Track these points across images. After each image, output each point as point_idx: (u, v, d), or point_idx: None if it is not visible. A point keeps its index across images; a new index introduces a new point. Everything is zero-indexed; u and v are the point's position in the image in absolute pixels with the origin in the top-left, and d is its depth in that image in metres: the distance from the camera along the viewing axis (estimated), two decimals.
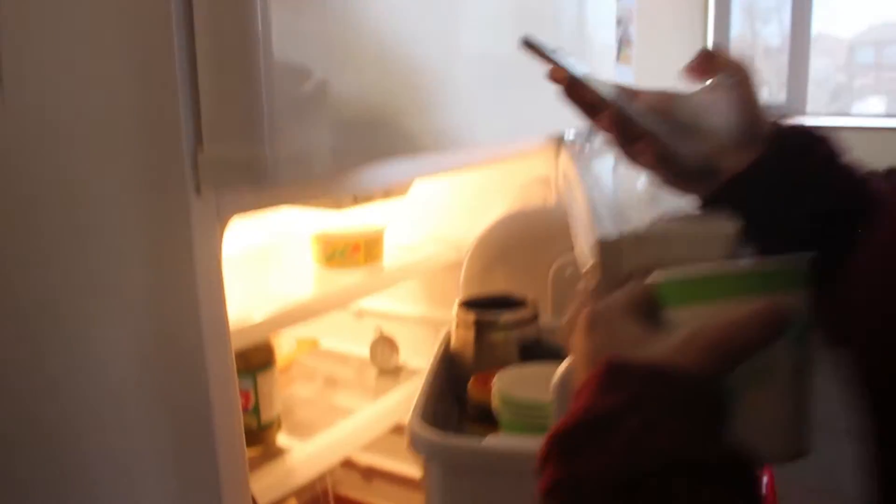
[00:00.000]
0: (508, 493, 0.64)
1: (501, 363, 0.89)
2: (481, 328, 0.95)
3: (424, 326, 1.51)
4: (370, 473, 1.64)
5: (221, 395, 0.76)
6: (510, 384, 0.80)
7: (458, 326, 0.97)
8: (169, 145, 0.67)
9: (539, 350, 0.92)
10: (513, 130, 1.06)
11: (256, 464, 1.12)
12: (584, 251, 0.73)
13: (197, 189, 0.68)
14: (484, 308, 0.98)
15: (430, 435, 0.76)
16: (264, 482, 1.08)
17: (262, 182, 0.63)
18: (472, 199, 1.41)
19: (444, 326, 1.47)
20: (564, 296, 0.97)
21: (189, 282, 0.70)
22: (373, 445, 1.61)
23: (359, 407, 1.32)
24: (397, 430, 1.55)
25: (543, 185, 1.25)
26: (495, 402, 0.79)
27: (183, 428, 0.77)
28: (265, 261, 1.39)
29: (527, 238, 1.05)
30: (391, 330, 1.50)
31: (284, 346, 1.60)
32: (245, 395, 1.12)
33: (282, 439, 1.20)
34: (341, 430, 1.23)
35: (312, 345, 1.56)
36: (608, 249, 0.51)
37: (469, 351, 0.96)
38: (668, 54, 3.67)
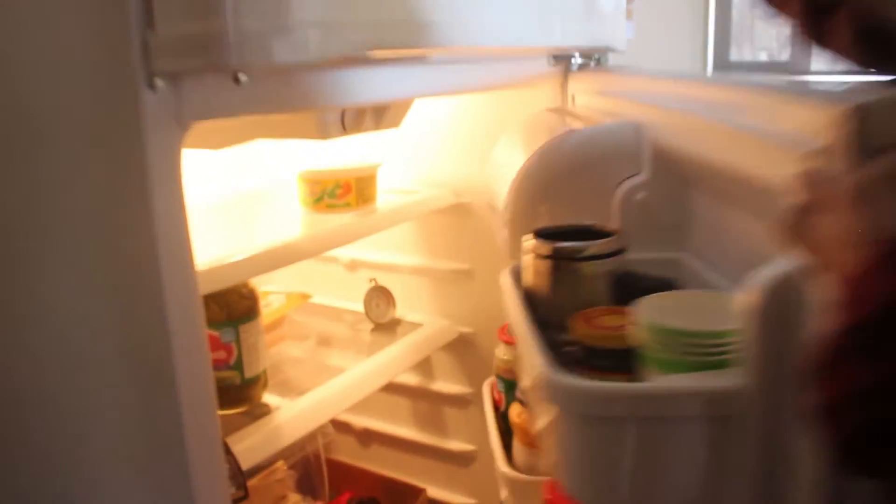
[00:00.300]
0: (676, 438, 0.55)
1: (590, 302, 0.74)
2: (564, 263, 0.78)
3: (422, 277, 1.40)
4: (367, 437, 1.54)
5: (186, 336, 0.64)
6: (664, 315, 0.62)
7: (534, 261, 0.79)
8: (116, 31, 0.55)
9: (633, 284, 0.75)
10: (518, 35, 0.94)
11: (239, 423, 1.02)
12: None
13: (149, 83, 0.56)
14: (562, 240, 0.82)
15: (582, 384, 0.59)
16: (247, 442, 0.98)
17: (224, 60, 0.51)
18: (470, 138, 1.29)
19: (442, 277, 1.37)
20: (636, 224, 0.82)
21: (143, 198, 0.58)
22: (369, 407, 1.51)
23: (352, 364, 1.21)
24: (394, 388, 1.45)
25: (556, 116, 1.13)
26: (645, 337, 0.61)
27: (145, 374, 0.65)
28: (249, 206, 1.28)
29: (583, 162, 0.88)
30: (386, 282, 1.38)
31: (274, 301, 1.49)
32: (226, 349, 1.01)
33: (268, 398, 1.09)
34: (332, 387, 1.12)
35: (303, 299, 1.45)
36: (865, 113, 0.42)
37: (549, 289, 0.79)
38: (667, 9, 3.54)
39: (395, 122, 1.02)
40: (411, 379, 1.45)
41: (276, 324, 1.41)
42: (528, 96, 1.20)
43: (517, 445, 1.07)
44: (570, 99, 1.19)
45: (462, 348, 1.38)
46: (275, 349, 1.30)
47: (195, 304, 0.66)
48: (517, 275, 0.83)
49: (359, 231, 1.15)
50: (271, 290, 1.51)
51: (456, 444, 1.43)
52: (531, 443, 1.03)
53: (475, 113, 1.28)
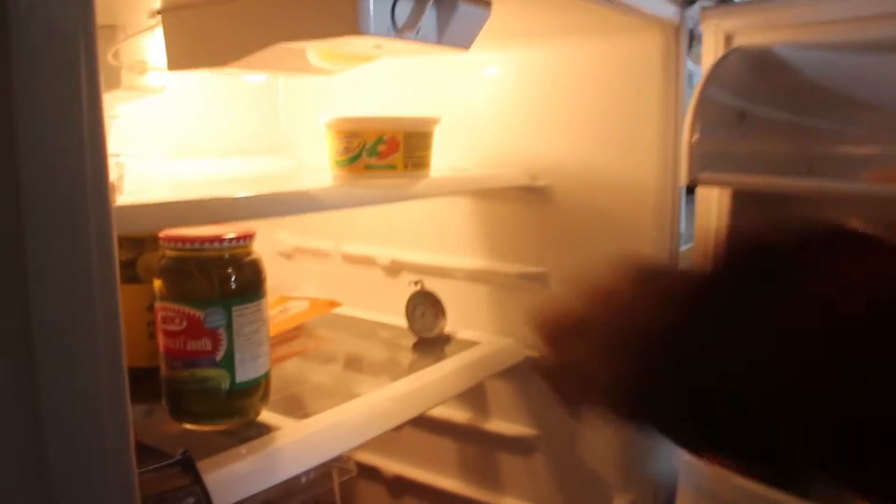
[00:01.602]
0: None
1: None
2: None
3: (481, 284, 1.10)
4: (399, 486, 1.23)
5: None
6: None
7: None
8: None
9: None
10: None
11: (220, 443, 0.73)
12: None
13: None
14: None
15: None
16: (228, 471, 0.68)
17: None
18: (547, 104, 1.01)
19: (507, 284, 1.07)
20: None
21: None
22: (404, 448, 1.21)
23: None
24: (436, 425, 1.14)
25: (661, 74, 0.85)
26: None
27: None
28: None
29: None
30: (436, 290, 1.09)
31: (293, 307, 1.21)
32: (212, 337, 0.73)
33: (267, 416, 0.80)
34: (353, 409, 0.83)
35: (330, 306, 1.17)
36: None
37: None
38: None
39: (463, 41, 0.75)
40: (459, 414, 1.14)
41: (292, 334, 1.12)
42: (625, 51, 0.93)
43: None
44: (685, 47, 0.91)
45: (528, 377, 1.07)
46: (288, 366, 1.01)
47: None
48: None
49: (395, 192, 0.87)
50: (292, 296, 1.23)
51: (512, 503, 1.11)
52: None
53: (556, 73, 1.00)
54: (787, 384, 0.34)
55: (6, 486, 0.39)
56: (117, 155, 0.77)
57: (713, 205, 0.92)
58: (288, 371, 0.99)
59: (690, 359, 0.38)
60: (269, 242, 1.31)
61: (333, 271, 1.26)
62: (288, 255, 1.32)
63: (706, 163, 0.81)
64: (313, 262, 1.29)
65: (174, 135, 1.12)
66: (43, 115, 0.38)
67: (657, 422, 0.42)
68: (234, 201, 0.67)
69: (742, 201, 0.90)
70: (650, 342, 0.40)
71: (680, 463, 0.94)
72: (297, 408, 0.84)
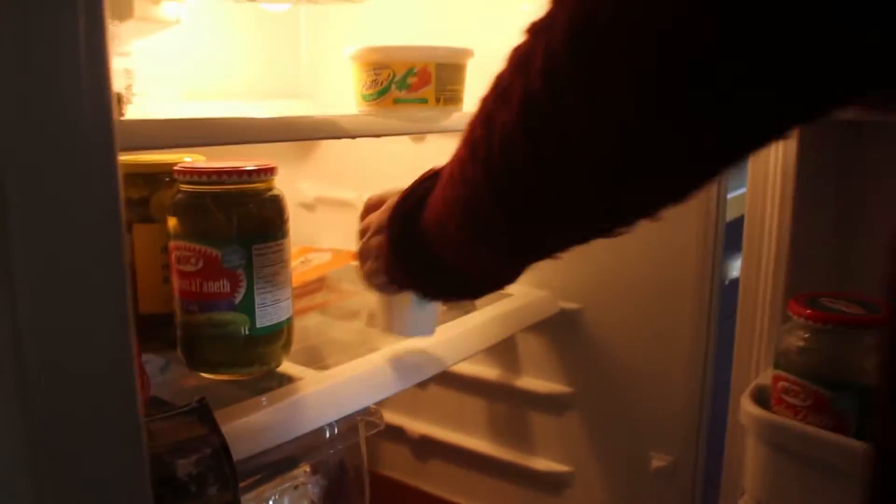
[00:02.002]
0: None
1: None
2: None
3: None
4: (424, 447, 1.18)
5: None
6: None
7: None
8: None
9: None
10: None
11: (236, 395, 0.67)
12: None
13: None
14: None
15: None
16: (247, 422, 0.63)
17: None
18: None
19: None
20: None
21: None
22: (429, 407, 1.16)
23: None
24: (463, 383, 1.09)
25: None
26: None
27: None
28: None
29: None
30: None
31: (314, 258, 1.16)
32: (231, 278, 0.67)
33: (287, 367, 0.75)
34: (380, 359, 0.77)
35: (351, 257, 1.11)
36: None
37: None
38: None
39: None
40: (488, 371, 1.09)
41: (314, 286, 1.07)
42: None
43: None
44: None
45: (562, 331, 1.01)
46: (308, 319, 0.96)
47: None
48: None
49: (415, 125, 0.81)
50: (314, 248, 1.18)
51: (544, 464, 1.06)
52: None
53: None
54: None
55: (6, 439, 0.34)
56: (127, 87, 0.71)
57: None
58: (309, 324, 0.94)
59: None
60: (290, 193, 1.24)
61: (357, 223, 1.19)
62: (309, 207, 1.27)
63: None
64: (336, 213, 1.23)
65: (188, 76, 1.06)
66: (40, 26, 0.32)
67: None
68: (251, 121, 0.61)
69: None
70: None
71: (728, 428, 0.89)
72: (316, 361, 0.78)
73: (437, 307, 0.77)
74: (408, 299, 0.71)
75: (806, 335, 0.69)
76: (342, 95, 0.88)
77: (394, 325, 0.75)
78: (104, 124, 0.35)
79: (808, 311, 0.69)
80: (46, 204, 0.34)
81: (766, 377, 0.78)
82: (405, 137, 1.12)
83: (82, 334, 0.36)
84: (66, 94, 0.34)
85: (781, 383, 0.71)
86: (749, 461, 0.75)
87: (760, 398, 0.74)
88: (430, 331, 0.77)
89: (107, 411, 0.37)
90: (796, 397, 0.69)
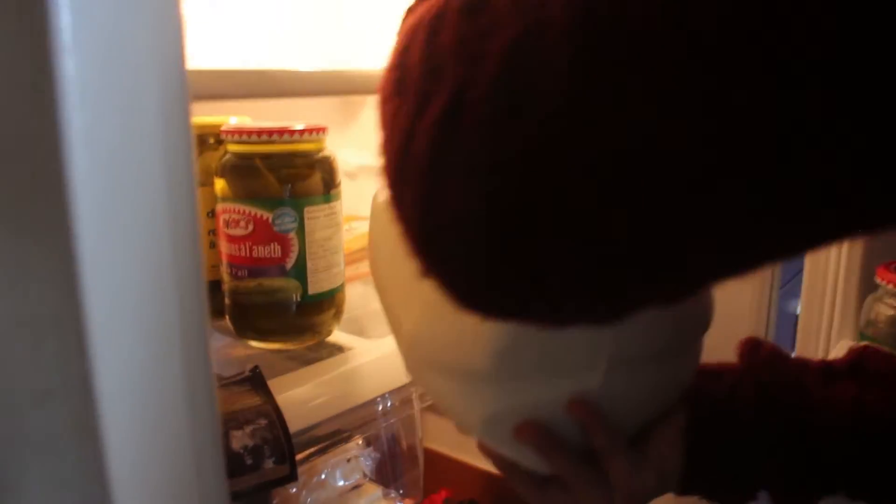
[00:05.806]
0: None
1: None
2: None
3: None
4: None
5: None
6: None
7: None
8: None
9: None
10: None
11: (286, 365, 0.65)
12: None
13: None
14: None
15: None
16: (301, 394, 0.60)
17: None
18: None
19: None
20: None
21: None
22: None
23: None
24: None
25: None
26: None
27: None
28: None
29: None
30: None
31: (359, 227, 1.12)
32: (282, 242, 0.64)
33: (338, 336, 0.72)
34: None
35: None
36: None
37: None
38: None
39: None
40: None
41: (357, 256, 1.03)
42: None
43: None
44: None
45: None
46: (351, 289, 0.92)
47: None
48: None
49: None
50: (357, 216, 1.15)
51: None
52: None
53: None
54: None
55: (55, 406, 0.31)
56: None
57: None
58: (352, 294, 0.91)
59: None
60: None
61: None
62: (352, 175, 1.23)
63: None
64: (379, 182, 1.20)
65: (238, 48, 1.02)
66: None
67: None
68: (306, 74, 0.58)
69: None
70: None
71: None
72: (360, 333, 0.75)
73: None
74: None
75: None
76: None
77: None
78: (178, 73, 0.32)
79: None
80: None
81: (841, 349, 0.73)
82: None
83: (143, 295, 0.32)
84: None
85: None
86: None
87: None
88: None
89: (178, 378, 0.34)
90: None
